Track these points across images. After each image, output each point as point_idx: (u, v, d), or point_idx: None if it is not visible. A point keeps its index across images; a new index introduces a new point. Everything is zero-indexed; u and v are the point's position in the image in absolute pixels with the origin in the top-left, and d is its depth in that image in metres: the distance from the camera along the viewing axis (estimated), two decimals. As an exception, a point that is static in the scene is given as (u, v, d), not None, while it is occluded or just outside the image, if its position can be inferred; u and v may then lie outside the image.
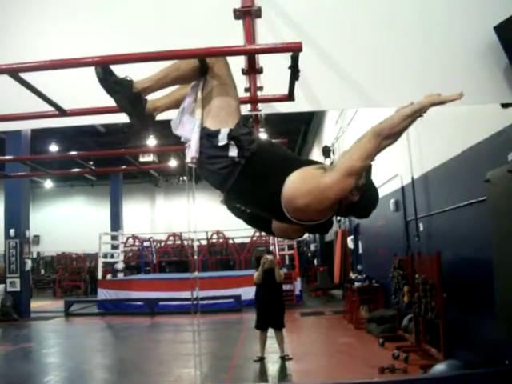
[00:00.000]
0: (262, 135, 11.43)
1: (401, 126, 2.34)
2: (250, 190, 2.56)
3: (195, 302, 7.91)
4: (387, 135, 2.33)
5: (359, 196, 2.49)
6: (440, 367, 6.67)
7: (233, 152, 2.47)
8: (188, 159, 2.57)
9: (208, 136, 2.52)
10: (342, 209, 2.54)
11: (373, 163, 2.53)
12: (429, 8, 3.88)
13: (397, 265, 9.51)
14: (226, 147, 2.48)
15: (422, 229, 9.39)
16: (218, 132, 2.49)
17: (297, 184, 2.41)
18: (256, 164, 2.49)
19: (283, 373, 8.44)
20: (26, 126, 5.05)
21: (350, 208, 2.56)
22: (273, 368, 8.78)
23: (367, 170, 2.52)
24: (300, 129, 24.68)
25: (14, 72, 2.74)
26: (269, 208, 2.58)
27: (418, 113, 2.35)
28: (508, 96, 3.97)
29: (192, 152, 2.53)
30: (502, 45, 3.68)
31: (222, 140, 2.48)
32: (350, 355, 9.33)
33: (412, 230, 9.93)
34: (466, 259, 7.29)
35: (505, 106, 4.39)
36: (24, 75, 2.86)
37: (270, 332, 9.18)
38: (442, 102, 2.39)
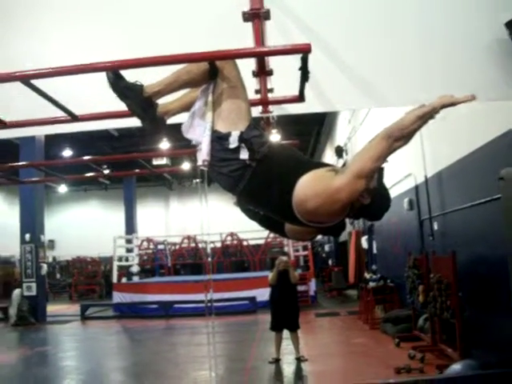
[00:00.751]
0: (274, 137, 11.44)
1: (411, 127, 2.31)
2: (261, 193, 2.56)
3: (209, 305, 7.92)
4: (398, 137, 2.31)
5: (371, 199, 2.48)
6: (456, 367, 6.61)
7: (244, 155, 2.47)
8: (199, 162, 2.58)
9: (219, 139, 2.52)
10: (354, 211, 2.52)
11: (385, 166, 2.52)
12: (439, 6, 3.86)
13: (411, 264, 9.46)
14: (237, 150, 2.48)
15: (436, 228, 9.34)
16: (228, 135, 2.50)
17: (308, 186, 2.40)
18: (267, 166, 2.49)
19: (299, 374, 8.42)
20: (39, 131, 5.10)
21: (361, 210, 2.54)
22: (288, 369, 8.77)
23: (379, 172, 2.50)
24: (313, 129, 24.64)
25: (26, 79, 2.76)
26: (280, 210, 2.56)
27: (429, 114, 2.33)
28: (522, 92, 3.95)
29: (203, 155, 2.54)
30: (514, 40, 3.67)
31: (233, 143, 2.48)
32: (365, 356, 9.29)
33: (426, 229, 9.90)
34: (481, 258, 7.24)
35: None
36: (36, 82, 2.88)
37: (286, 333, 9.17)
38: (454, 104, 2.36)
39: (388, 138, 2.31)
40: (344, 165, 3.09)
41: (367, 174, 2.33)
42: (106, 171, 21.99)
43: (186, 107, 2.81)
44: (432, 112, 2.33)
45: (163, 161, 21.92)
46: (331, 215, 2.46)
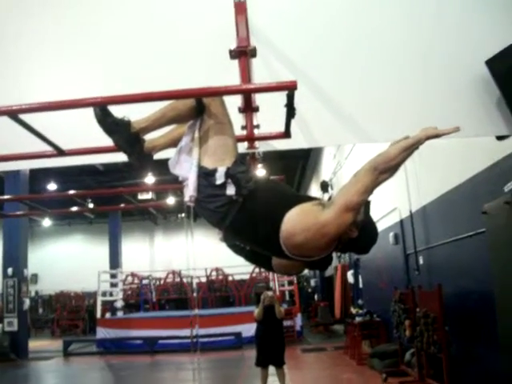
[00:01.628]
0: (260, 172, 11.48)
1: (397, 159, 2.34)
2: (248, 228, 2.56)
3: (195, 340, 7.83)
4: (384, 169, 2.33)
5: (358, 232, 2.49)
6: (444, 403, 6.59)
7: (230, 190, 2.48)
8: (186, 198, 2.59)
9: (205, 175, 2.53)
10: (341, 245, 2.52)
11: (371, 199, 2.53)
12: (422, 44, 3.93)
13: (397, 298, 9.46)
14: (223, 186, 2.49)
15: (421, 262, 9.37)
16: (215, 171, 2.51)
17: (295, 221, 2.40)
18: (254, 202, 2.49)
19: (285, 411, 8.32)
20: (25, 165, 5.07)
21: (349, 244, 2.54)
22: (275, 406, 8.67)
23: (365, 206, 2.52)
24: (298, 164, 24.76)
25: (13, 113, 2.77)
26: (267, 245, 2.57)
27: (413, 146, 2.36)
28: (503, 128, 3.99)
29: (190, 191, 2.55)
30: (494, 78, 3.73)
31: (220, 179, 2.49)
32: (352, 392, 9.22)
33: (412, 263, 9.92)
34: (467, 292, 7.26)
35: (500, 138, 4.41)
36: (23, 116, 2.89)
37: (271, 369, 9.07)
38: (438, 136, 2.40)
39: (374, 171, 2.33)
40: (330, 199, 3.09)
41: (354, 207, 2.35)
42: (91, 205, 21.92)
43: (173, 143, 2.83)
44: (417, 144, 2.37)
45: (148, 195, 21.91)
46: (319, 249, 2.46)
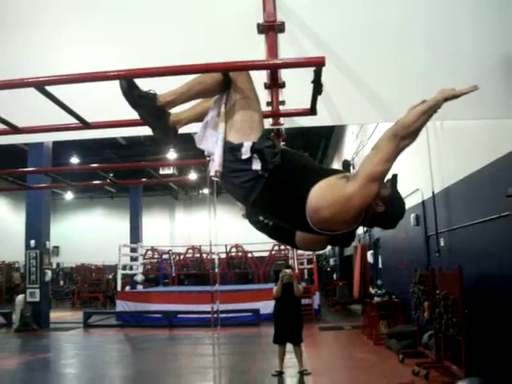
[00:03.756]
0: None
1: (416, 124, 2.31)
2: (274, 203, 2.55)
3: (215, 316, 7.87)
4: (404, 135, 2.31)
5: (385, 206, 2.47)
6: (461, 384, 6.59)
7: (256, 165, 2.47)
8: (212, 173, 2.58)
9: (231, 149, 2.52)
10: (368, 219, 2.52)
11: (397, 173, 2.51)
12: (450, 20, 3.86)
13: (417, 280, 9.41)
14: (249, 160, 2.48)
15: (442, 244, 9.31)
16: (241, 145, 2.50)
17: (321, 195, 2.40)
18: (280, 176, 2.48)
19: (302, 388, 8.39)
20: (51, 138, 5.12)
21: (375, 218, 2.54)
22: (291, 383, 8.74)
23: (392, 180, 2.50)
24: (320, 143, 24.63)
25: (40, 85, 2.77)
26: (294, 220, 2.56)
27: (432, 109, 2.34)
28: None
29: (215, 166, 2.54)
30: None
31: (245, 153, 2.48)
32: (369, 371, 9.24)
33: (433, 245, 9.86)
34: (488, 275, 7.20)
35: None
36: (49, 88, 2.90)
37: (289, 346, 9.13)
38: (456, 96, 2.38)
39: (394, 138, 2.31)
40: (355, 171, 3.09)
41: (378, 177, 2.33)
42: (114, 179, 22.07)
43: (198, 117, 2.81)
44: (435, 106, 2.35)
45: (170, 171, 21.97)
46: (346, 222, 2.46)
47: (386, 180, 2.50)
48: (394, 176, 2.50)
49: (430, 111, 2.33)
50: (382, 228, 2.76)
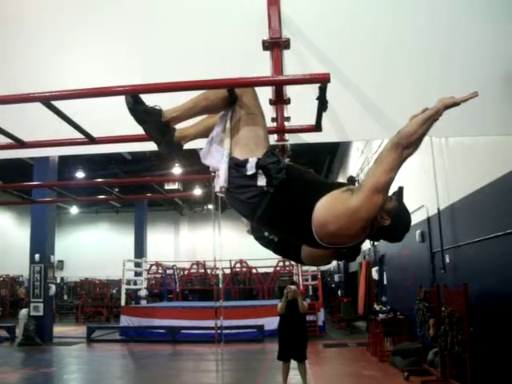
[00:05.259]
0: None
1: (418, 133, 2.31)
2: (280, 218, 2.55)
3: (219, 331, 7.85)
4: (406, 144, 2.31)
5: (390, 220, 2.46)
6: (467, 403, 6.53)
7: (261, 181, 2.47)
8: (217, 189, 2.58)
9: (236, 165, 2.52)
10: (374, 232, 2.51)
11: (403, 186, 2.51)
12: (454, 39, 3.87)
13: (422, 297, 9.37)
14: (254, 176, 2.48)
15: (448, 260, 9.27)
16: (246, 161, 2.49)
17: (326, 209, 2.40)
18: (285, 192, 2.48)
19: (306, 405, 8.32)
20: (56, 152, 5.12)
21: (381, 232, 2.53)
22: (295, 400, 8.67)
23: (398, 193, 2.50)
24: (325, 159, 24.65)
25: (46, 100, 2.79)
26: (300, 235, 2.56)
27: (433, 117, 2.34)
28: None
29: (221, 182, 2.54)
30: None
31: (251, 169, 2.47)
32: (373, 389, 9.17)
33: (438, 262, 9.82)
34: (494, 292, 7.16)
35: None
36: (55, 103, 2.91)
37: (293, 363, 9.07)
38: (456, 104, 2.38)
39: (397, 148, 2.31)
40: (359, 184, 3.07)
41: (383, 187, 2.32)
42: (119, 194, 22.09)
43: (203, 133, 2.81)
44: (436, 115, 2.35)
45: (175, 186, 22.01)
46: (352, 236, 2.45)
47: (392, 193, 2.50)
48: (400, 189, 2.50)
49: (431, 119, 2.33)
50: (388, 241, 2.75)
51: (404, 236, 2.64)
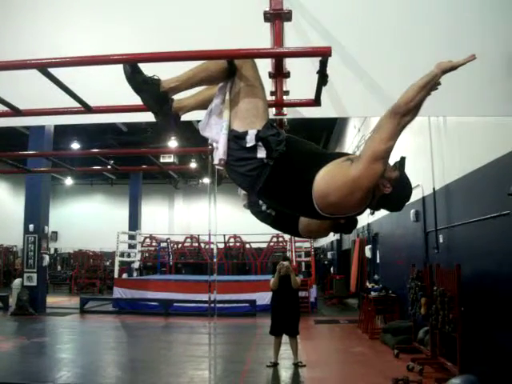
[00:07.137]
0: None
1: (416, 99, 2.29)
2: (280, 191, 2.54)
3: (213, 305, 7.88)
4: (405, 111, 2.29)
5: (392, 188, 2.46)
6: (455, 381, 6.60)
7: (261, 153, 2.45)
8: (216, 161, 2.55)
9: (236, 138, 2.49)
10: (375, 201, 2.50)
11: (406, 155, 2.50)
12: (459, 17, 3.83)
13: (415, 276, 9.42)
14: (254, 149, 2.46)
15: (441, 240, 9.30)
16: (245, 133, 2.47)
17: (327, 180, 2.39)
18: (285, 164, 2.47)
19: (296, 379, 8.40)
20: (53, 121, 5.08)
21: (382, 200, 2.52)
22: (286, 374, 8.75)
23: (400, 162, 2.49)
24: (321, 136, 24.58)
25: (43, 67, 2.74)
26: (301, 207, 2.55)
27: (430, 83, 2.32)
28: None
29: (220, 154, 2.51)
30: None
31: (250, 141, 2.45)
32: (363, 365, 9.26)
33: (431, 242, 9.85)
34: (486, 273, 7.20)
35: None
36: (52, 71, 2.87)
37: (285, 338, 9.14)
38: (453, 67, 2.37)
39: (395, 115, 2.30)
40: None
41: (382, 155, 2.32)
42: (113, 165, 22.03)
43: (202, 104, 2.78)
44: (434, 80, 2.33)
45: (170, 159, 21.93)
46: (353, 205, 2.44)
47: (394, 162, 2.49)
48: (402, 158, 2.49)
49: (428, 85, 2.31)
50: (388, 210, 2.74)
51: (404, 205, 2.64)
